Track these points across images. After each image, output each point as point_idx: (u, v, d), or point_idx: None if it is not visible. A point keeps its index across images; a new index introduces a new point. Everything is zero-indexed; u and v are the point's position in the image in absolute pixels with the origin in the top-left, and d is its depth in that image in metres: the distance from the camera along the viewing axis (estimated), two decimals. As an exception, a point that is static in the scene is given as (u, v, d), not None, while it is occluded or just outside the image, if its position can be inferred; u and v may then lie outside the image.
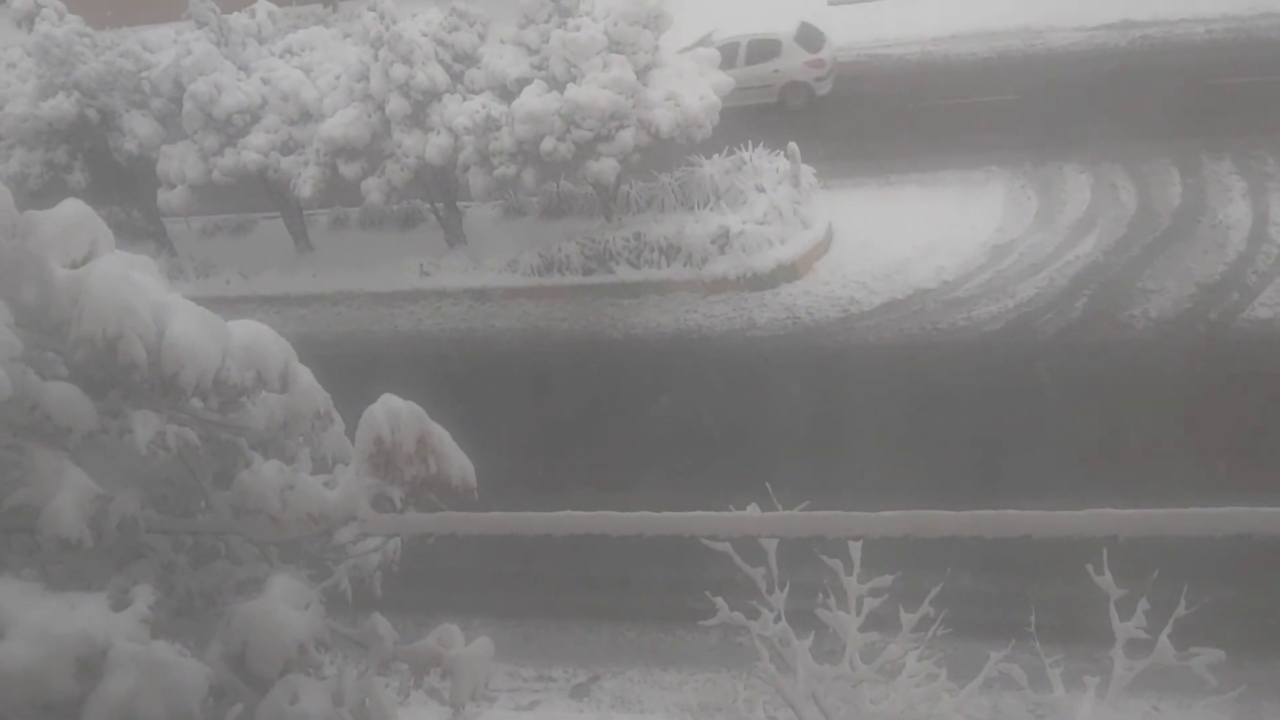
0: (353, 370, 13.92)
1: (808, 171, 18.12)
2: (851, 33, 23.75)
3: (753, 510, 5.98)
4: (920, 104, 20.65)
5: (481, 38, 17.88)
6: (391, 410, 6.46)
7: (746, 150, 18.56)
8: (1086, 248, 16.47)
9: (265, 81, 18.32)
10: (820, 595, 8.03)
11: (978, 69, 21.69)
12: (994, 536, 4.72)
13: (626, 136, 16.57)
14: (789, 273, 17.24)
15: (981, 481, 12.64)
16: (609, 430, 15.12)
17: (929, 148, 19.25)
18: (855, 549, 7.86)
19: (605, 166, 16.74)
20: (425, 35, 17.33)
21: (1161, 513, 4.75)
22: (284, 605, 6.31)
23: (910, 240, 17.37)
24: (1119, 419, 13.29)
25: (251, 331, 6.47)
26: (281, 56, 19.07)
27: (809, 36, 21.66)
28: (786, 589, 7.97)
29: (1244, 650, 8.20)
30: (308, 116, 18.22)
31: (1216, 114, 18.22)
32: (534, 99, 16.49)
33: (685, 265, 17.52)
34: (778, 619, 7.98)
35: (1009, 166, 18.57)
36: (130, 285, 5.89)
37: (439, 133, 17.17)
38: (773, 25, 21.85)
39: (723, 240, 17.32)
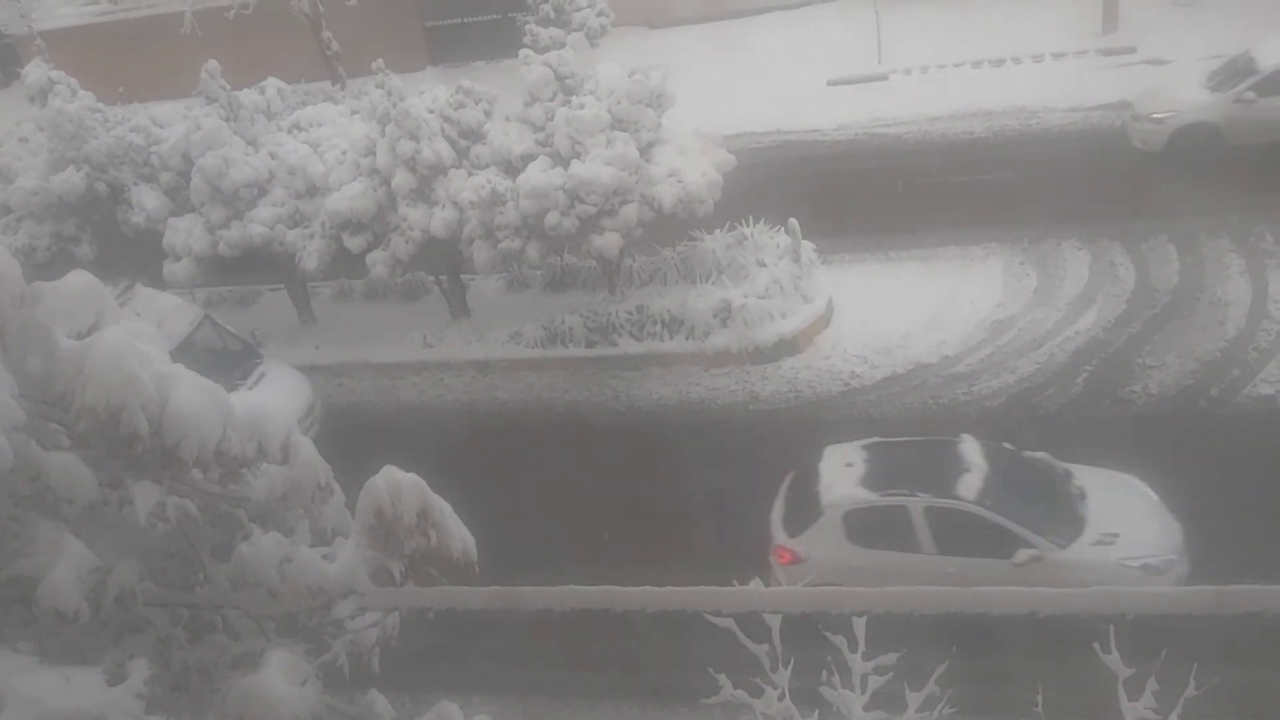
0: (355, 441, 13.90)
1: (808, 247, 18.28)
2: (851, 112, 24.15)
3: (756, 585, 5.92)
4: (919, 181, 20.89)
5: (487, 114, 18.16)
6: (393, 482, 6.44)
7: (748, 225, 18.76)
8: (1086, 324, 16.54)
9: (273, 156, 18.57)
10: (824, 673, 7.92)
11: (976, 148, 21.98)
12: (999, 613, 4.68)
13: (630, 212, 16.74)
14: (790, 346, 17.30)
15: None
16: (612, 503, 15.02)
17: (928, 224, 19.43)
18: (859, 625, 7.76)
19: (608, 241, 16.89)
20: (432, 112, 17.60)
21: (1169, 591, 4.72)
22: (281, 681, 6.22)
23: (911, 315, 17.45)
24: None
25: (253, 402, 6.47)
26: (289, 132, 19.36)
27: None
28: (790, 666, 7.86)
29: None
30: (314, 190, 18.43)
31: (1213, 192, 18.42)
32: (538, 174, 16.70)
33: (688, 338, 17.59)
34: (781, 697, 7.86)
35: (1008, 243, 18.73)
36: (134, 356, 5.91)
37: (444, 207, 17.36)
38: None
39: (725, 314, 17.41)
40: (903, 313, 17.53)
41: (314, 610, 6.66)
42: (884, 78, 25.59)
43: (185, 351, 14.56)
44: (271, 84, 19.98)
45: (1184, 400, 14.77)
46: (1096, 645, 7.12)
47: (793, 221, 18.14)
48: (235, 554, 6.52)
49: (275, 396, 14.52)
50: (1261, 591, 4.41)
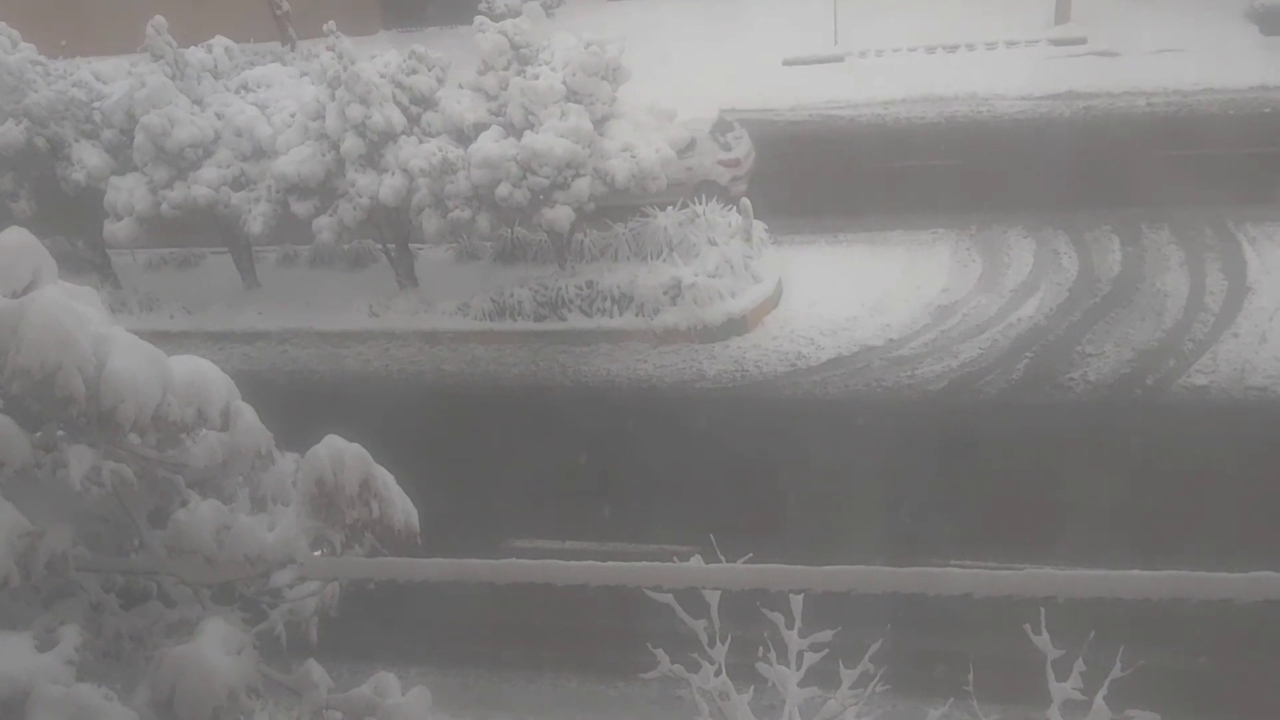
0: (297, 410, 13.74)
1: (759, 227, 18.33)
2: (806, 93, 24.21)
3: (696, 562, 5.95)
4: (871, 165, 21.01)
5: (440, 81, 17.95)
6: (335, 452, 6.37)
7: (700, 204, 18.76)
8: (1029, 311, 16.79)
9: (219, 116, 18.23)
10: (761, 649, 8.00)
11: (927, 133, 22.14)
12: (935, 594, 4.74)
13: (582, 185, 16.67)
14: (739, 326, 17.37)
15: (922, 538, 12.72)
16: (557, 478, 15.02)
17: (878, 208, 19.57)
18: (796, 603, 7.85)
19: (560, 214, 16.81)
20: (383, 77, 17.36)
21: (1099, 575, 4.81)
22: (216, 649, 6.15)
23: (858, 298, 17.60)
24: (1056, 480, 13.48)
25: (194, 367, 6.36)
26: (237, 92, 19.00)
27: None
28: (728, 642, 7.94)
29: (1179, 713, 8.28)
30: (261, 153, 18.12)
31: (1156, 185, 18.72)
32: (491, 144, 16.56)
33: (637, 315, 17.59)
34: (718, 672, 7.94)
35: (955, 229, 18.93)
36: (72, 317, 5.78)
37: (394, 174, 17.16)
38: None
39: (675, 291, 17.42)
40: (850, 295, 17.67)
41: (252, 579, 6.58)
42: (840, 59, 25.67)
43: None
44: (219, 42, 19.59)
45: (1121, 388, 15.05)
46: (1027, 627, 7.28)
47: (745, 201, 18.18)
48: (172, 521, 6.41)
49: None
50: (1188, 577, 4.51)
